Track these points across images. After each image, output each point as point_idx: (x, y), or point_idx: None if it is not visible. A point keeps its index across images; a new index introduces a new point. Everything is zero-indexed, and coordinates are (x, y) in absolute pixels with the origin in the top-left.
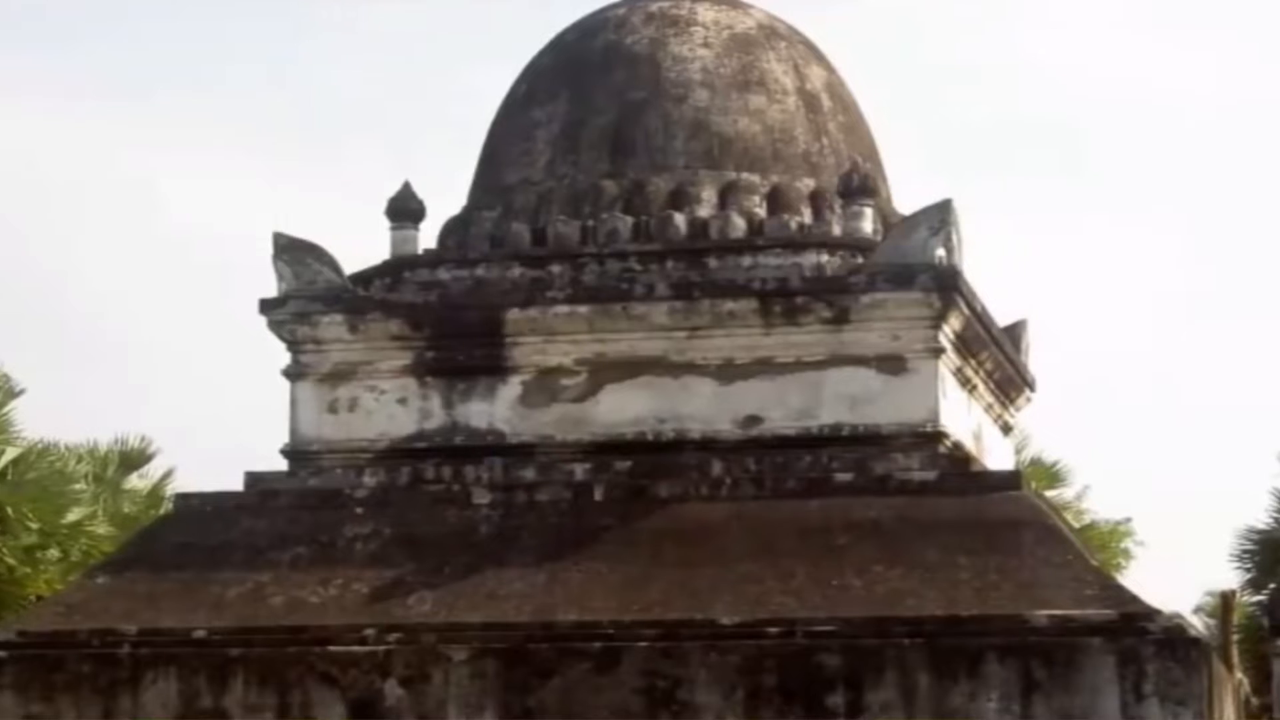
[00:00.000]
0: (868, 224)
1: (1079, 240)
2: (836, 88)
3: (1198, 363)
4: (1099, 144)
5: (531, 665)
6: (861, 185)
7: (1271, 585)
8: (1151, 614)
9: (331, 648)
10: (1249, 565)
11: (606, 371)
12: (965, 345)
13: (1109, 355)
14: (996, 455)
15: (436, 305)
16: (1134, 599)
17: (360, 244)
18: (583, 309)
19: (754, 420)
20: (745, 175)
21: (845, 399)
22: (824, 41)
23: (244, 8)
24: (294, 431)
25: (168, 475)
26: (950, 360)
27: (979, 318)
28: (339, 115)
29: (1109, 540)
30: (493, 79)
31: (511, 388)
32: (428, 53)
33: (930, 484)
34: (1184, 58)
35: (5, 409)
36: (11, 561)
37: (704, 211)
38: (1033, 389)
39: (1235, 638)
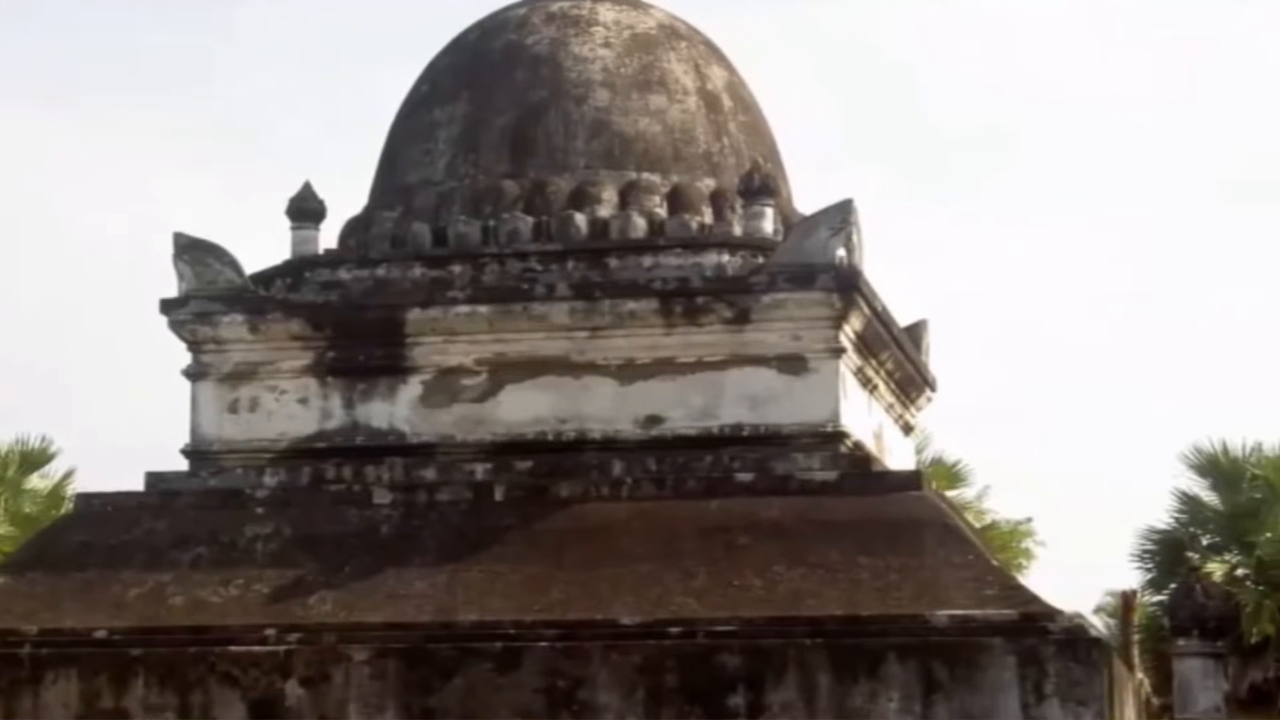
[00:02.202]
0: (768, 224)
1: (981, 241)
2: (737, 88)
3: (1099, 363)
4: (1007, 146)
5: (432, 665)
6: (762, 185)
7: (1172, 585)
8: (1052, 614)
9: (232, 648)
10: (1150, 565)
11: (507, 371)
12: (866, 345)
13: (1010, 355)
14: (897, 455)
15: (337, 305)
16: (1035, 599)
17: (266, 245)
18: (483, 309)
19: (655, 420)
20: (646, 175)
21: (746, 399)
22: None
23: (145, 9)
24: (195, 431)
25: (69, 475)
26: (851, 360)
27: (880, 318)
28: (243, 116)
29: (1010, 540)
30: (394, 79)
31: (412, 388)
32: (329, 52)
33: (831, 484)
34: (1114, 62)
35: None
36: None
37: (605, 211)
38: (934, 389)
39: (1136, 638)
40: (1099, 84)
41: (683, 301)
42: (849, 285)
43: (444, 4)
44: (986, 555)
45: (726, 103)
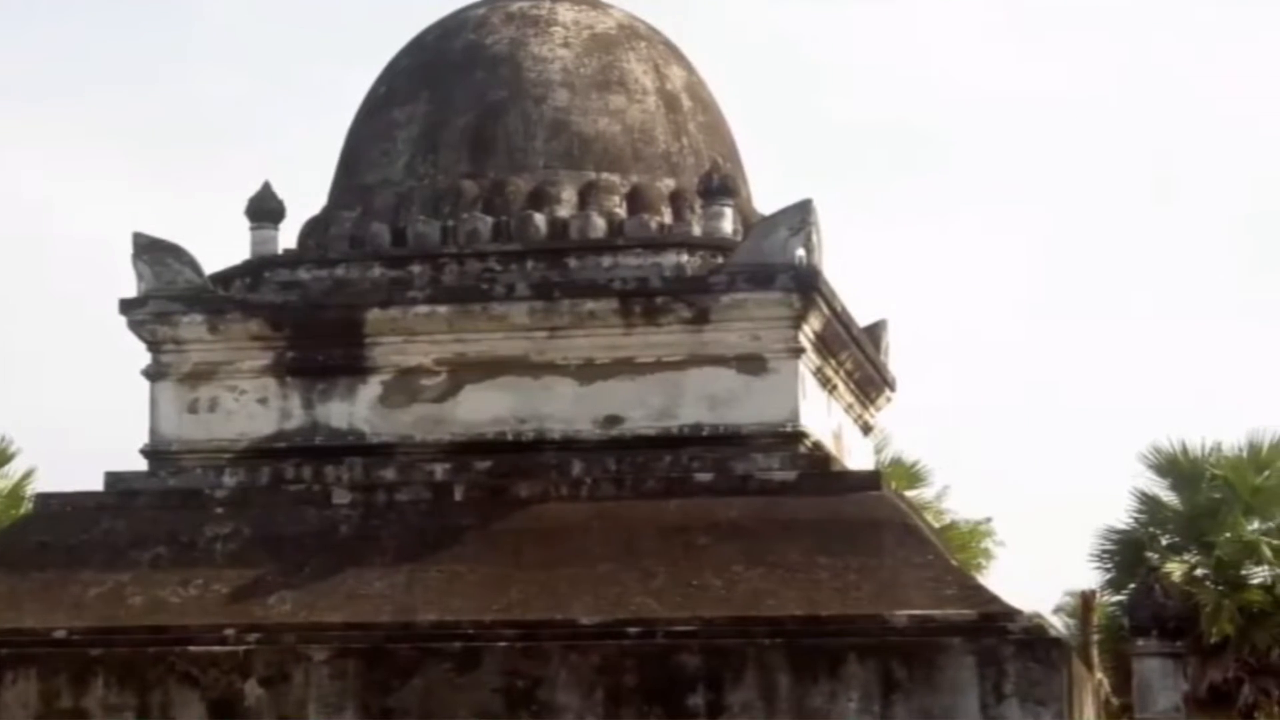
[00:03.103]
0: (728, 224)
1: (937, 241)
2: (696, 88)
3: (1059, 363)
4: (957, 147)
5: (392, 665)
6: (722, 185)
7: (1131, 585)
8: (1011, 614)
9: (192, 648)
10: (1109, 565)
11: (466, 371)
12: (825, 345)
13: (969, 355)
14: (857, 455)
15: (296, 305)
16: (994, 599)
17: (228, 247)
18: (443, 309)
19: (614, 420)
20: (605, 175)
21: (705, 399)
22: (693, 42)
23: (108, 11)
24: (154, 431)
25: (28, 475)
26: (810, 360)
27: (839, 318)
28: (203, 118)
29: (969, 540)
30: (354, 79)
31: (371, 388)
32: (289, 53)
33: (790, 484)
34: (1040, 63)
35: None
36: None
37: (564, 211)
38: (893, 389)
39: (1095, 638)
40: (1039, 84)
41: (642, 301)
42: (808, 285)
43: (403, 4)
44: (946, 555)
45: (686, 103)
